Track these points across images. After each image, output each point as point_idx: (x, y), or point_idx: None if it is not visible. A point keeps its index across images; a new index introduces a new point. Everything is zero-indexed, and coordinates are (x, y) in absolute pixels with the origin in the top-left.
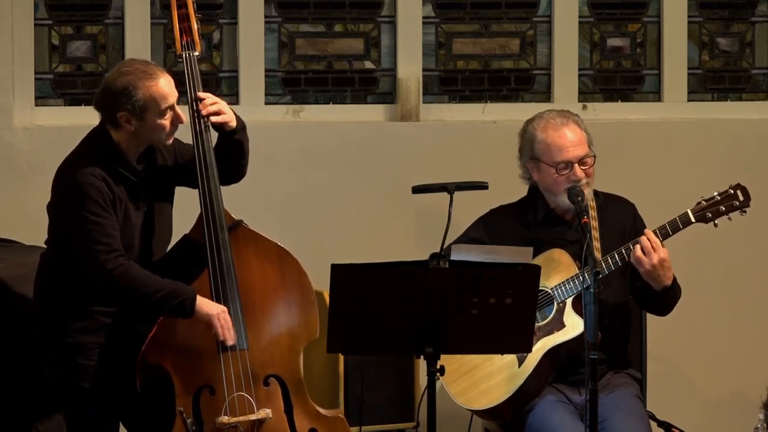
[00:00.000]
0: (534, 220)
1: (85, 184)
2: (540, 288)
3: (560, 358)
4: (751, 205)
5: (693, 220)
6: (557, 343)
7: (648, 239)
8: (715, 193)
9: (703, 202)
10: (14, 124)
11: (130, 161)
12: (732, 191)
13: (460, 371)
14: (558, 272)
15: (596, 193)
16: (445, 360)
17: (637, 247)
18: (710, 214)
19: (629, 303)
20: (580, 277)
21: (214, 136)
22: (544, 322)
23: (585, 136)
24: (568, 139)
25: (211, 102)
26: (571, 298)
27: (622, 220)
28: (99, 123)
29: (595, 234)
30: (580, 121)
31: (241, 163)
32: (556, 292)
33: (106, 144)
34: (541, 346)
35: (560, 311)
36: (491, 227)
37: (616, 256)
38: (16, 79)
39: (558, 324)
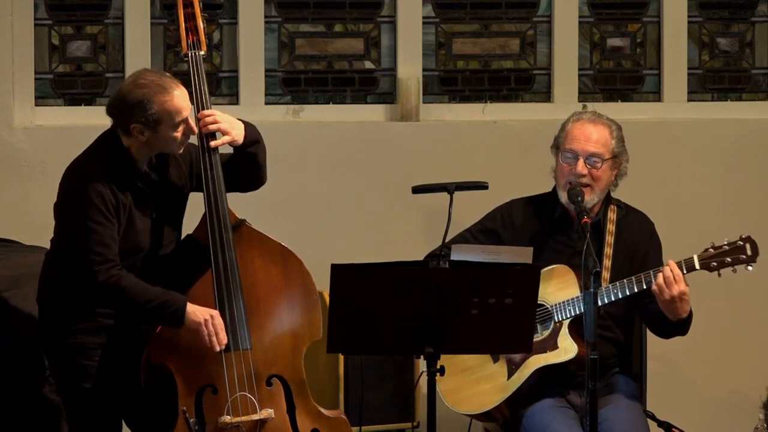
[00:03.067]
0: (549, 219)
1: (89, 190)
2: (540, 302)
3: (549, 376)
4: (758, 258)
5: (697, 267)
6: (548, 363)
7: (671, 271)
8: (725, 242)
9: (711, 249)
10: (14, 124)
11: (139, 166)
12: (741, 243)
13: (452, 369)
14: (561, 290)
15: (619, 204)
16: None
17: (660, 276)
18: (715, 264)
19: (633, 315)
20: (581, 301)
21: None
22: (541, 338)
23: (609, 142)
24: (584, 133)
25: (211, 121)
26: (568, 321)
27: (636, 237)
28: (111, 126)
29: (608, 251)
30: (615, 128)
31: (258, 174)
32: (555, 311)
33: (116, 147)
34: (532, 363)
35: (556, 331)
36: (509, 219)
37: (631, 283)
38: (16, 79)
39: (552, 344)
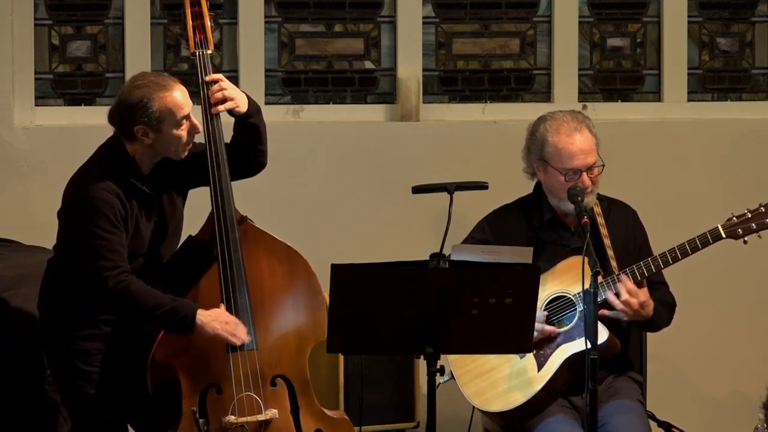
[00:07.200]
0: (540, 223)
1: (98, 199)
2: (562, 294)
3: (579, 365)
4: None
5: (723, 235)
6: (578, 350)
7: (627, 289)
8: (746, 210)
9: (734, 218)
10: (14, 124)
11: (143, 173)
12: (763, 209)
13: (476, 372)
14: (580, 280)
15: (600, 197)
16: (460, 360)
17: (616, 298)
18: (741, 231)
19: None
20: (604, 285)
21: (228, 127)
22: (566, 328)
23: (595, 143)
24: (579, 147)
25: (217, 89)
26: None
27: (624, 229)
28: (113, 134)
29: (608, 242)
30: (592, 125)
31: (259, 148)
32: (578, 300)
33: (120, 156)
34: (562, 352)
35: (582, 318)
36: (498, 228)
37: (645, 267)
38: (16, 79)
39: (579, 332)
